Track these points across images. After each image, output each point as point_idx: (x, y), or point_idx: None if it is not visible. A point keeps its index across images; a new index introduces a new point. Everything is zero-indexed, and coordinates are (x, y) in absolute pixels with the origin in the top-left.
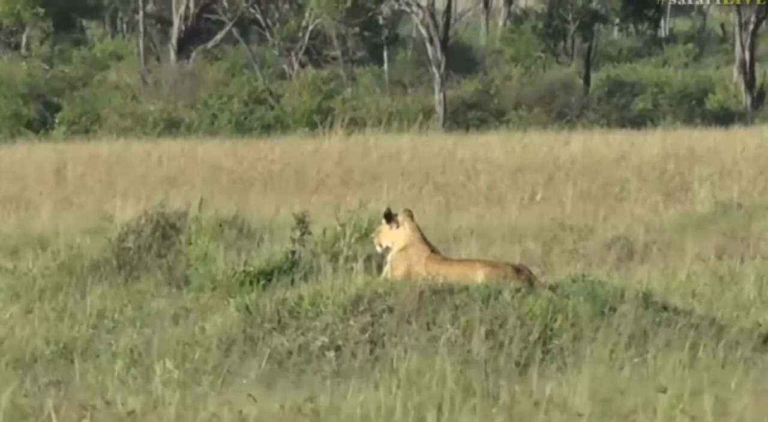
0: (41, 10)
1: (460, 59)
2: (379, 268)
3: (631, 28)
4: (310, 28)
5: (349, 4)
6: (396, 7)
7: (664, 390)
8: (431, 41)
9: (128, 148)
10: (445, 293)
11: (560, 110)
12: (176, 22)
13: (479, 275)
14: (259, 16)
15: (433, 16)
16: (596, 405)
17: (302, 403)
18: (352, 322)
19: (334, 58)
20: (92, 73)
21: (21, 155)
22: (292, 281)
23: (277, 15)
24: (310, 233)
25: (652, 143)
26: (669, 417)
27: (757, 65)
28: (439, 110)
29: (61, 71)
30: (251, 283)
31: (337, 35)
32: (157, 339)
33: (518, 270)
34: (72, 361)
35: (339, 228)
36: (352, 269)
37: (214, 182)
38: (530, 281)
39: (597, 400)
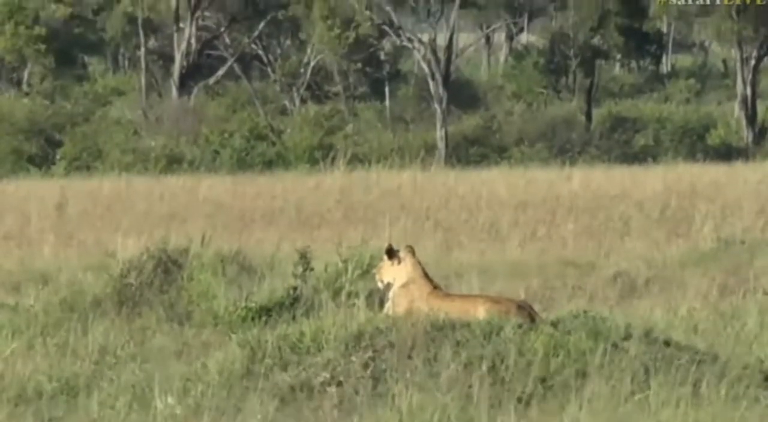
0: (43, 47)
1: (462, 95)
2: (381, 304)
3: (633, 64)
4: (312, 63)
5: (351, 39)
6: (398, 43)
7: None
8: (433, 77)
9: (130, 184)
10: (446, 330)
11: (562, 146)
12: (178, 58)
13: (481, 312)
14: (260, 52)
15: (434, 51)
16: None
17: None
18: (353, 358)
19: (336, 94)
20: (94, 108)
21: (23, 190)
22: (294, 317)
23: (278, 51)
24: (311, 269)
25: (654, 179)
26: None
27: (758, 101)
28: (441, 145)
29: (63, 107)
30: (253, 319)
31: (339, 71)
32: (159, 375)
33: (520, 306)
34: (74, 397)
35: (341, 264)
36: (353, 305)
37: (216, 218)
38: (532, 317)
39: None
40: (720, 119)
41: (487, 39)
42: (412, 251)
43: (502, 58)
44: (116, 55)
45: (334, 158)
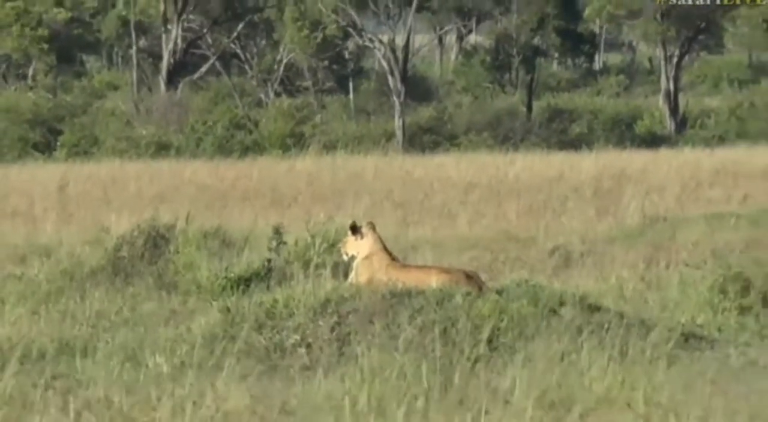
0: (46, 46)
1: (417, 89)
2: (346, 274)
3: (569, 61)
4: (285, 61)
5: (319, 40)
6: (360, 43)
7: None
8: (392, 73)
9: (123, 168)
10: (403, 297)
11: (506, 134)
12: (166, 56)
13: (434, 281)
14: (239, 51)
15: (393, 51)
16: (536, 395)
17: (277, 394)
18: (321, 322)
19: (306, 88)
20: (91, 101)
21: (27, 174)
22: (268, 286)
23: (255, 50)
24: (284, 243)
25: (588, 164)
26: (601, 406)
27: (680, 94)
28: (399, 134)
29: (63, 100)
30: (232, 288)
31: (309, 68)
32: (149, 337)
33: (469, 276)
34: (73, 357)
35: (309, 239)
36: (321, 275)
37: (200, 199)
38: (479, 286)
39: (538, 391)
40: (646, 110)
41: (440, 40)
42: (373, 227)
43: (453, 57)
44: (111, 54)
45: (304, 145)
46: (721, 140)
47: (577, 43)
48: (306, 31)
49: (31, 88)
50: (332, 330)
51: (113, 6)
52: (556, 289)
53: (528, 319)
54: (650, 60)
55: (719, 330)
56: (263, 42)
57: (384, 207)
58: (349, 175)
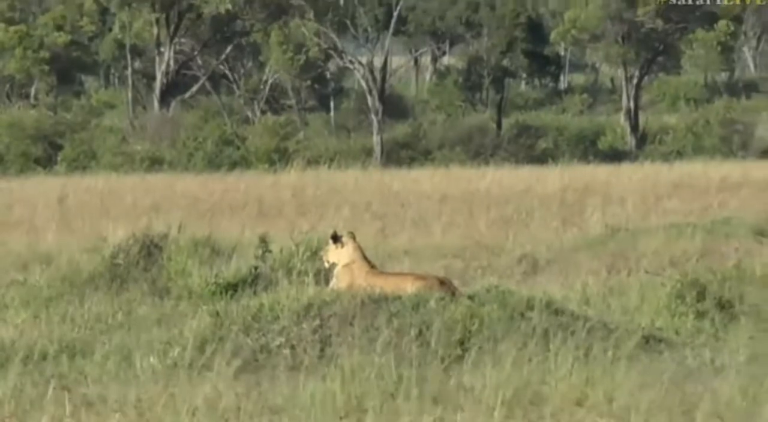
0: (47, 67)
1: (394, 108)
2: (327, 281)
3: (536, 81)
4: (270, 81)
5: (302, 61)
6: (341, 64)
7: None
8: (370, 93)
9: (119, 181)
10: (381, 302)
11: (477, 150)
12: (159, 76)
13: (410, 287)
14: (227, 72)
15: (372, 72)
16: (506, 393)
17: (263, 392)
18: (304, 325)
19: (290, 107)
20: (89, 119)
21: (30, 186)
22: (255, 291)
23: (242, 71)
24: (270, 252)
25: (554, 178)
26: (567, 403)
27: (640, 112)
28: (377, 149)
29: (64, 117)
30: (221, 293)
31: (292, 87)
32: (143, 339)
33: (442, 282)
34: (73, 358)
35: (293, 248)
36: (304, 281)
37: (191, 210)
38: (452, 291)
39: (507, 390)
40: (608, 127)
41: (416, 61)
42: (353, 236)
43: (427, 77)
44: (108, 75)
45: (288, 160)
46: (679, 155)
47: (544, 64)
48: (290, 54)
49: (33, 106)
50: (315, 332)
51: (110, 30)
52: (524, 294)
53: (498, 322)
54: (612, 80)
55: (677, 332)
56: (250, 63)
57: (363, 218)
58: (330, 188)
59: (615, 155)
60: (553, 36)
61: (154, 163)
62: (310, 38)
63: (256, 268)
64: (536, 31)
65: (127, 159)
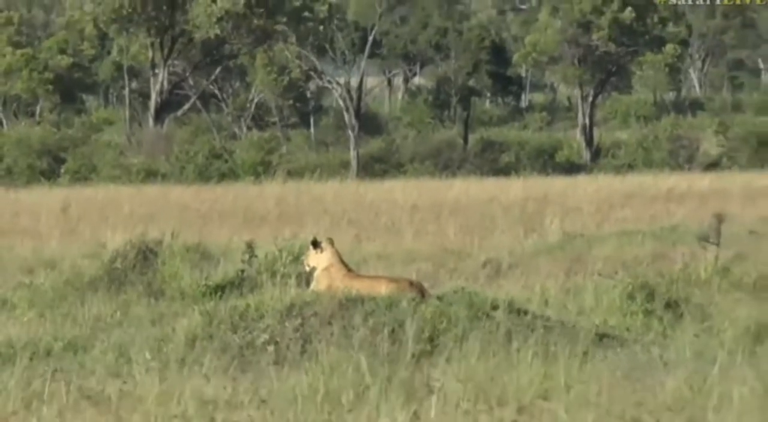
0: (51, 87)
1: (369, 124)
2: (308, 283)
3: (499, 100)
4: (255, 100)
5: (285, 82)
6: (320, 84)
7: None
8: (347, 110)
9: (117, 192)
10: (357, 302)
11: (445, 163)
12: (153, 96)
13: (384, 289)
14: (216, 92)
15: (348, 91)
16: (472, 388)
17: (250, 386)
18: (287, 324)
19: (273, 123)
20: (90, 134)
21: (35, 197)
22: (241, 293)
23: (230, 90)
24: (255, 257)
25: (515, 189)
26: (528, 396)
27: (594, 129)
28: (354, 163)
29: (66, 133)
30: (210, 294)
31: (276, 106)
32: (139, 337)
33: (413, 285)
34: (75, 354)
35: (277, 253)
36: (287, 283)
37: (183, 218)
38: (422, 293)
39: (473, 384)
40: (565, 142)
41: (389, 81)
42: (331, 242)
43: (400, 96)
44: (107, 94)
45: (272, 173)
46: (630, 167)
47: (507, 84)
48: (274, 75)
49: (38, 123)
50: (296, 330)
51: (109, 53)
52: (489, 296)
53: (464, 321)
54: (569, 99)
55: (628, 330)
56: (237, 84)
57: (341, 226)
58: (311, 198)
59: (572, 168)
60: (515, 58)
61: (150, 175)
62: (292, 61)
63: (242, 271)
64: (500, 54)
65: (125, 171)
